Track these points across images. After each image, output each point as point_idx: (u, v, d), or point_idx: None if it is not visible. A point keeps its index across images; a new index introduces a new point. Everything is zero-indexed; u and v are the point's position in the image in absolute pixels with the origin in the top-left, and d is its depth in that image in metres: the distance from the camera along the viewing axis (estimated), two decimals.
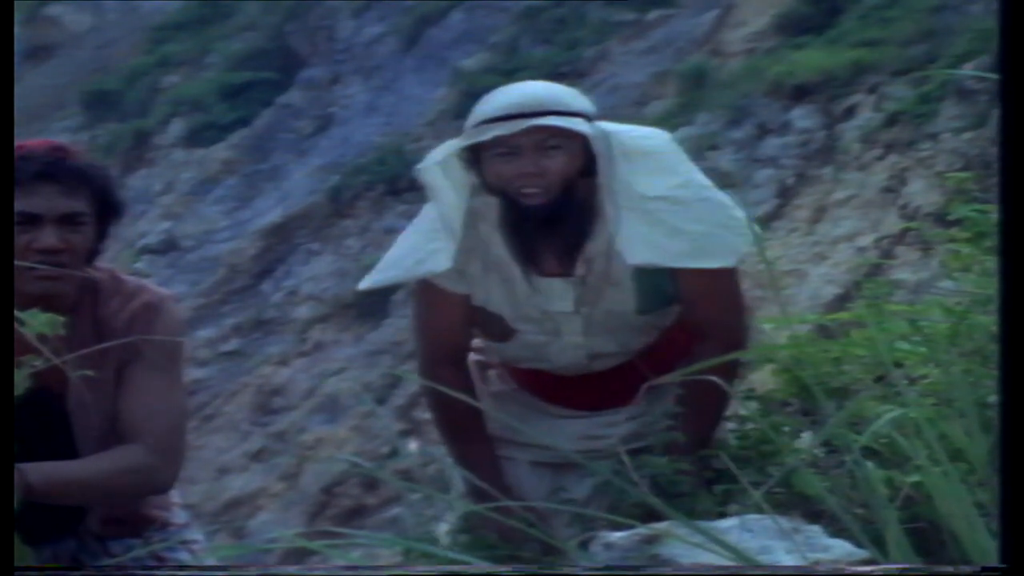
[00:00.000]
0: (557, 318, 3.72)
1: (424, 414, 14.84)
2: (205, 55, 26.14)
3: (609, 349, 3.77)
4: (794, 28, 17.90)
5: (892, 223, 13.30)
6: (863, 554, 2.34)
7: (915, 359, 3.34)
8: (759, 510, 2.51)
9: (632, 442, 3.60)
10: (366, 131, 21.82)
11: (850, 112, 15.53)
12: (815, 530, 2.50)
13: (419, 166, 3.67)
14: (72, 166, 3.28)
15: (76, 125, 24.78)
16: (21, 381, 2.54)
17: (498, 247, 3.69)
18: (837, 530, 2.46)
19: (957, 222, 3.66)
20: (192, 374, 16.41)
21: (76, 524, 3.37)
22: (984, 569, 2.03)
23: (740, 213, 3.64)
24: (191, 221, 21.70)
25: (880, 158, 14.46)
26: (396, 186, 20.18)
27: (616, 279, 3.66)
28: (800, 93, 16.11)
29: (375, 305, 17.65)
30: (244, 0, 26.39)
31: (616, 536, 2.57)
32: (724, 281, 3.64)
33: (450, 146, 3.66)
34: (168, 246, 21.28)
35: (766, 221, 14.18)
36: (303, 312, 19.30)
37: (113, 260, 3.47)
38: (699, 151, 14.81)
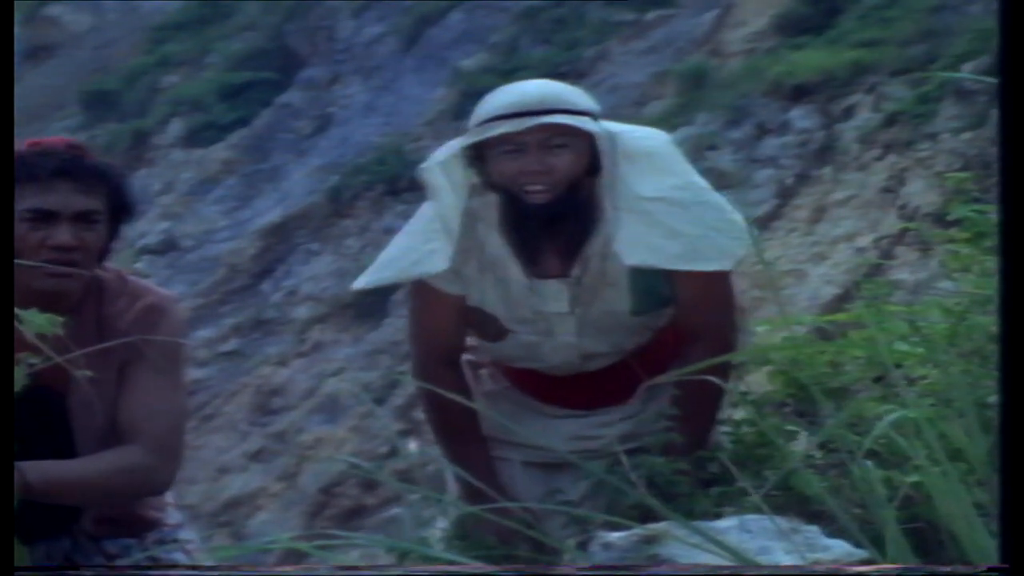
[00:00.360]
0: (551, 318, 3.72)
1: (422, 414, 14.80)
2: (205, 55, 26.14)
3: (602, 349, 3.77)
4: (793, 28, 17.90)
5: (891, 223, 13.30)
6: (862, 554, 2.34)
7: (914, 359, 3.34)
8: (757, 512, 2.51)
9: (625, 442, 3.60)
10: (365, 131, 21.82)
11: (849, 112, 15.53)
12: (814, 530, 2.50)
13: (422, 166, 3.66)
14: (89, 164, 3.29)
15: (76, 125, 24.78)
16: (19, 379, 2.53)
17: (495, 248, 3.69)
18: (836, 530, 2.46)
19: (956, 222, 3.66)
20: (191, 374, 16.41)
21: (70, 523, 3.37)
22: (988, 569, 2.02)
23: (737, 216, 3.64)
24: (190, 221, 21.70)
25: (879, 158, 14.46)
26: (395, 186, 20.18)
27: (611, 280, 3.66)
28: (799, 93, 16.11)
29: (374, 305, 17.65)
30: (244, 0, 26.39)
31: (615, 536, 2.57)
32: (718, 284, 3.65)
33: (455, 144, 3.65)
34: (167, 246, 21.28)
35: (765, 221, 14.18)
36: (302, 312, 19.30)
37: (112, 260, 3.47)
38: (698, 151, 14.81)
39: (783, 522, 2.50)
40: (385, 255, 3.78)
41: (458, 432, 3.77)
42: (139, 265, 19.75)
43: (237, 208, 21.75)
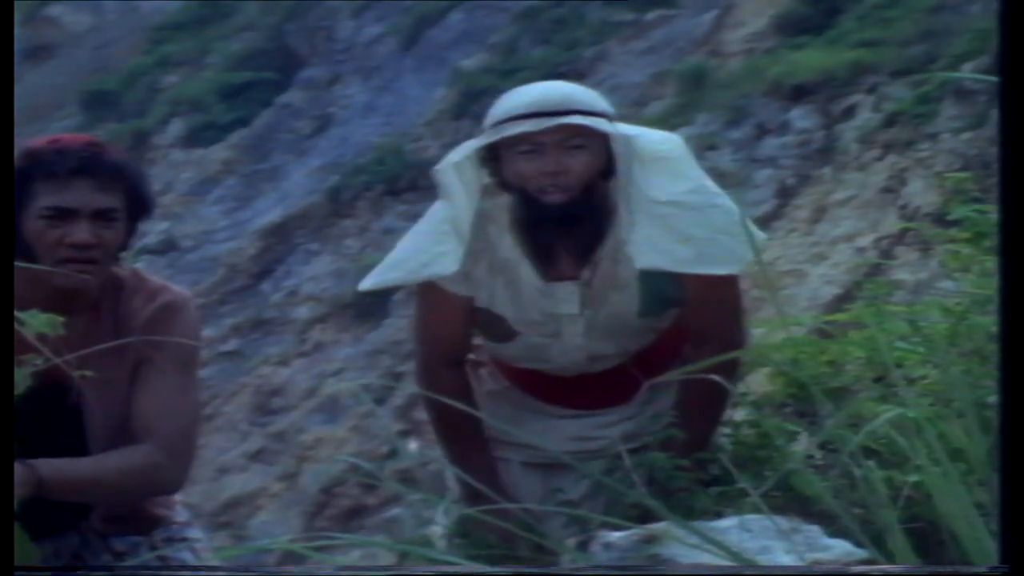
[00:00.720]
0: (560, 320, 3.72)
1: (423, 414, 14.80)
2: (204, 55, 26.13)
3: (608, 351, 3.78)
4: (793, 28, 17.90)
5: (891, 223, 13.30)
6: (862, 554, 2.34)
7: (914, 359, 3.34)
8: (757, 512, 2.51)
9: (626, 442, 3.60)
10: (365, 131, 21.81)
11: (849, 112, 15.53)
12: (814, 530, 2.50)
13: (437, 167, 3.66)
14: (108, 162, 3.29)
15: (75, 125, 24.77)
16: (23, 379, 2.53)
17: (507, 250, 3.69)
18: (836, 530, 2.46)
19: (956, 222, 3.66)
20: None
21: (79, 520, 3.37)
22: (988, 569, 2.03)
23: (747, 220, 3.65)
24: (190, 221, 21.69)
25: (879, 158, 14.46)
26: (395, 186, 20.17)
27: (621, 282, 3.66)
28: (799, 93, 16.11)
29: (374, 305, 17.65)
30: (243, 0, 26.39)
31: (615, 536, 2.57)
32: (727, 287, 3.65)
33: (470, 145, 3.64)
34: (167, 246, 21.28)
35: (765, 221, 14.18)
36: (302, 312, 19.29)
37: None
38: (698, 151, 14.77)
39: (783, 522, 2.50)
40: (393, 256, 3.77)
41: (460, 433, 3.77)
42: (139, 265, 19.71)
43: (237, 208, 21.75)
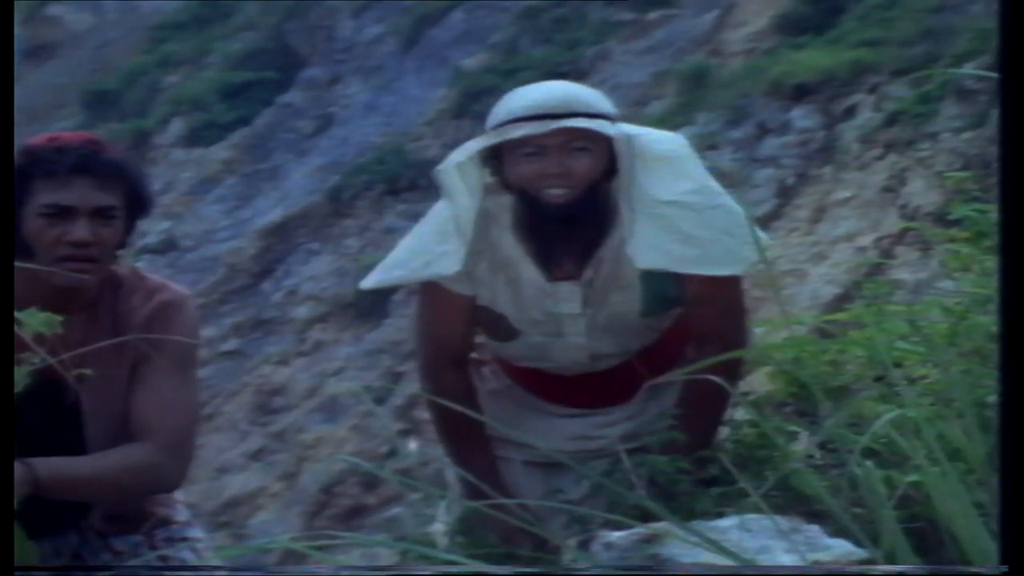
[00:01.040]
0: (562, 319, 3.72)
1: (423, 414, 14.84)
2: (205, 55, 26.13)
3: (610, 350, 3.78)
4: (794, 28, 17.90)
5: (892, 223, 13.29)
6: (862, 553, 2.34)
7: (914, 359, 3.34)
8: (757, 512, 2.51)
9: (627, 442, 3.60)
10: (366, 131, 21.81)
11: (850, 112, 15.53)
12: (814, 530, 2.50)
13: (439, 168, 3.65)
14: (107, 160, 3.29)
15: (76, 124, 24.77)
16: (22, 378, 2.53)
17: (508, 249, 3.69)
18: (836, 530, 2.46)
19: (957, 222, 3.66)
20: None
21: (78, 519, 3.37)
22: (991, 569, 2.02)
23: (751, 221, 3.65)
24: (191, 221, 21.69)
25: (880, 158, 14.46)
26: (396, 186, 20.17)
27: (623, 282, 3.66)
28: (800, 93, 16.11)
29: (375, 305, 17.65)
30: (244, 0, 26.38)
31: (616, 536, 2.57)
32: (730, 288, 3.65)
33: (472, 146, 3.63)
34: (168, 246, 21.28)
35: (766, 221, 14.18)
36: (303, 312, 19.29)
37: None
38: (699, 151, 14.77)
39: (783, 521, 2.50)
40: (395, 255, 3.76)
41: (462, 432, 3.77)
42: (139, 264, 19.70)
43: (237, 208, 21.75)
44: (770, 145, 15.91)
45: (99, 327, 3.29)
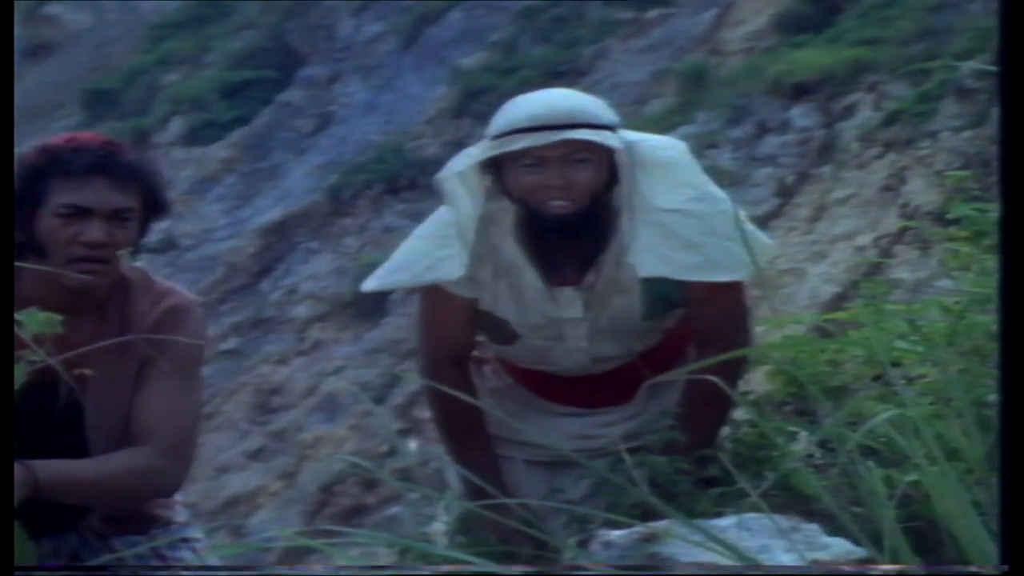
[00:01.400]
0: (563, 324, 3.71)
1: (423, 413, 14.83)
2: (204, 54, 26.13)
3: (612, 352, 3.77)
4: (793, 27, 17.90)
5: (891, 222, 13.29)
6: (862, 552, 2.34)
7: (913, 358, 3.34)
8: (756, 511, 2.51)
9: (628, 441, 3.60)
10: (365, 130, 21.81)
11: (849, 111, 15.53)
12: (814, 529, 2.50)
13: (439, 175, 3.63)
14: (125, 162, 3.28)
15: (76, 124, 24.77)
16: (23, 377, 2.53)
17: (510, 253, 3.67)
18: (835, 529, 2.46)
19: (956, 221, 3.66)
20: None
21: (78, 520, 3.37)
22: (991, 569, 2.02)
23: (752, 226, 3.65)
24: (190, 220, 21.69)
25: (879, 157, 14.46)
26: (395, 185, 20.17)
27: (624, 286, 3.66)
28: (799, 92, 16.11)
29: (374, 304, 17.65)
30: None
31: (615, 535, 2.57)
32: (732, 292, 3.64)
33: (473, 155, 3.61)
34: (167, 245, 21.27)
35: (765, 220, 14.17)
36: (302, 311, 19.28)
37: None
38: (698, 150, 14.76)
39: (783, 520, 2.50)
40: (397, 258, 3.74)
41: (463, 432, 3.77)
42: (138, 263, 19.67)
43: (237, 207, 21.74)
44: (769, 144, 15.91)
45: (106, 329, 3.29)
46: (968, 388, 2.54)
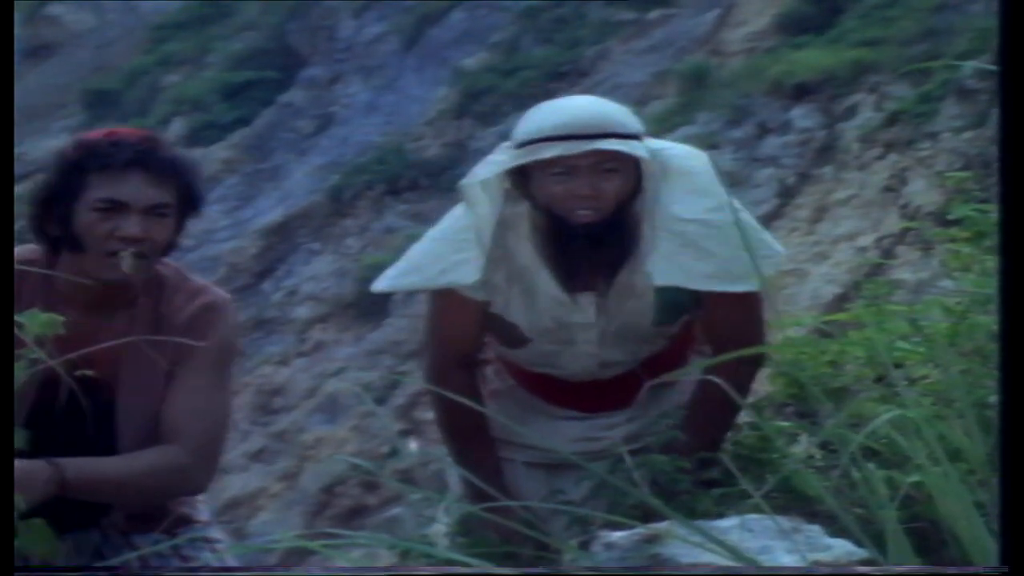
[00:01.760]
0: (574, 329, 3.71)
1: (424, 414, 14.85)
2: (205, 54, 26.14)
3: (619, 358, 3.77)
4: (794, 27, 17.91)
5: (892, 223, 13.30)
6: (863, 554, 2.34)
7: (915, 359, 3.34)
8: (758, 513, 2.51)
9: (629, 444, 3.60)
10: (366, 130, 21.82)
11: (850, 111, 15.54)
12: (815, 530, 2.50)
13: (464, 182, 3.61)
14: (163, 157, 3.26)
15: (76, 124, 24.78)
16: (19, 376, 2.53)
17: (525, 258, 3.66)
18: (837, 530, 2.46)
19: (957, 222, 3.66)
20: None
21: (101, 517, 3.36)
22: (992, 569, 2.02)
23: (767, 235, 3.65)
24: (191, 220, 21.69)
25: (880, 157, 14.46)
26: (396, 185, 20.18)
27: (638, 293, 3.65)
28: (800, 92, 16.12)
29: (375, 305, 17.66)
30: (244, 0, 26.39)
31: (616, 536, 2.57)
32: (748, 302, 3.63)
33: (500, 163, 3.58)
34: None
35: (766, 221, 14.18)
36: (303, 312, 19.30)
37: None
38: (699, 150, 14.73)
39: (784, 521, 2.50)
40: (410, 260, 3.72)
41: (467, 434, 3.76)
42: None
43: (238, 207, 21.75)
44: (771, 145, 15.91)
45: (140, 325, 3.28)
46: (970, 389, 2.54)
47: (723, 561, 2.22)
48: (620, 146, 3.49)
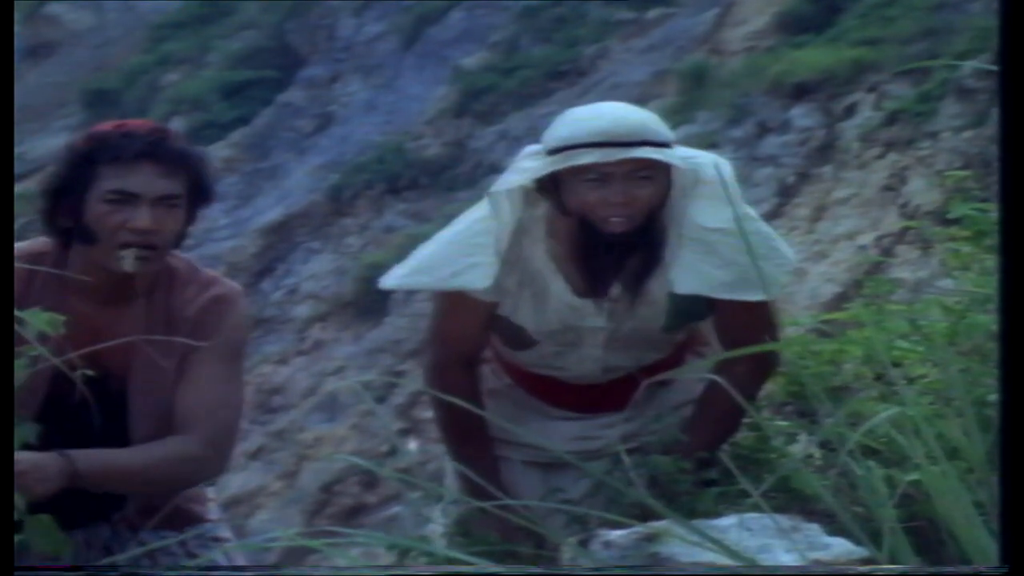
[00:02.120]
0: (583, 332, 3.70)
1: (424, 413, 14.85)
2: (205, 54, 26.14)
3: (624, 363, 3.76)
4: (794, 26, 17.91)
5: (892, 222, 13.30)
6: (863, 552, 2.34)
7: (914, 358, 3.34)
8: (757, 512, 2.51)
9: (626, 443, 3.60)
10: (366, 129, 21.82)
11: (850, 110, 15.54)
12: (814, 528, 2.50)
13: (494, 188, 3.61)
14: (173, 148, 3.26)
15: (76, 123, 24.78)
16: (19, 374, 2.53)
17: (539, 262, 3.65)
18: (836, 529, 2.46)
19: (957, 221, 3.66)
20: None
21: (112, 512, 3.36)
22: (992, 569, 2.02)
23: (780, 243, 3.65)
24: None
25: (880, 156, 14.47)
26: (396, 184, 20.18)
27: (651, 298, 3.65)
28: (800, 91, 16.11)
29: (375, 303, 17.66)
30: None
31: (616, 534, 2.57)
32: (762, 310, 3.62)
33: (533, 170, 3.56)
34: None
35: (766, 219, 14.17)
36: (303, 310, 19.30)
37: None
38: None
39: (783, 520, 2.50)
40: (422, 259, 3.71)
41: (466, 432, 3.76)
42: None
43: (238, 206, 21.76)
44: (770, 144, 15.91)
45: (152, 317, 3.29)
46: (969, 388, 2.54)
47: (722, 560, 2.22)
48: (656, 154, 3.49)
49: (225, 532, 3.59)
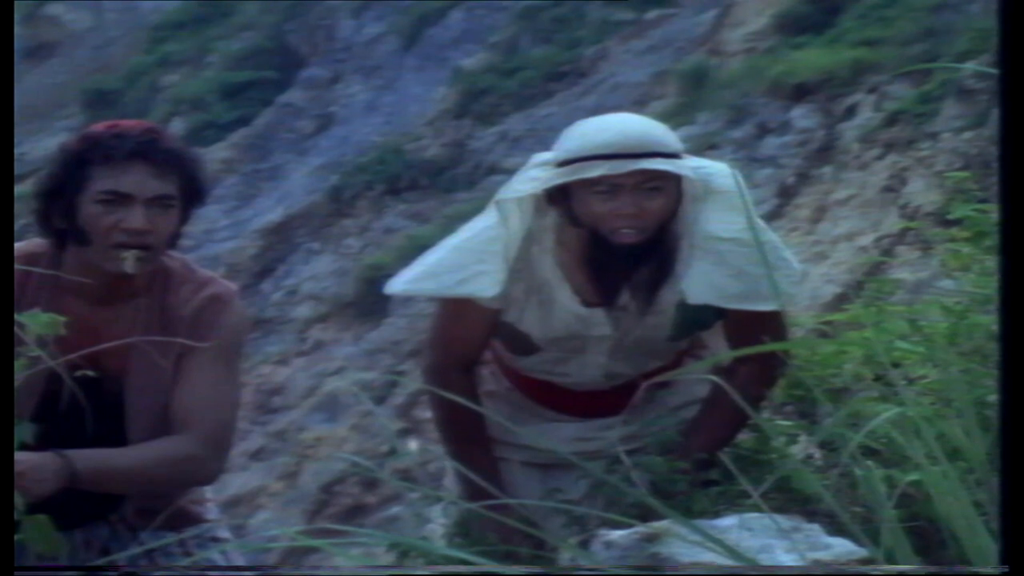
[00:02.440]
0: (588, 340, 3.70)
1: (424, 413, 14.84)
2: (205, 54, 26.14)
3: (626, 371, 3.76)
4: (794, 27, 17.90)
5: (892, 222, 13.29)
6: (863, 552, 2.34)
7: (914, 358, 3.34)
8: (757, 512, 2.51)
9: (625, 444, 3.60)
10: (366, 130, 21.81)
11: (850, 111, 15.53)
12: (815, 529, 2.51)
13: (502, 196, 3.61)
14: (166, 148, 3.27)
15: (76, 124, 24.76)
16: (19, 374, 2.53)
17: (546, 271, 3.65)
18: (836, 529, 2.46)
19: (957, 221, 3.66)
20: None
21: (110, 512, 3.37)
22: (991, 569, 2.02)
23: (788, 253, 3.66)
24: (191, 220, 21.69)
25: (880, 157, 14.46)
26: (396, 185, 20.17)
27: (659, 308, 3.65)
28: (800, 92, 16.11)
29: (375, 304, 17.65)
30: (244, 0, 26.39)
31: (616, 535, 2.57)
32: (771, 319, 3.62)
33: (543, 180, 3.56)
34: None
35: (766, 220, 14.17)
36: (303, 311, 19.29)
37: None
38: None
39: (784, 520, 2.50)
40: (427, 265, 3.70)
41: (465, 434, 3.76)
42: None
43: (238, 207, 21.75)
44: (770, 145, 15.91)
45: (147, 317, 3.29)
46: (969, 388, 2.54)
47: (722, 560, 2.22)
48: (666, 165, 3.49)
49: (224, 532, 3.60)
